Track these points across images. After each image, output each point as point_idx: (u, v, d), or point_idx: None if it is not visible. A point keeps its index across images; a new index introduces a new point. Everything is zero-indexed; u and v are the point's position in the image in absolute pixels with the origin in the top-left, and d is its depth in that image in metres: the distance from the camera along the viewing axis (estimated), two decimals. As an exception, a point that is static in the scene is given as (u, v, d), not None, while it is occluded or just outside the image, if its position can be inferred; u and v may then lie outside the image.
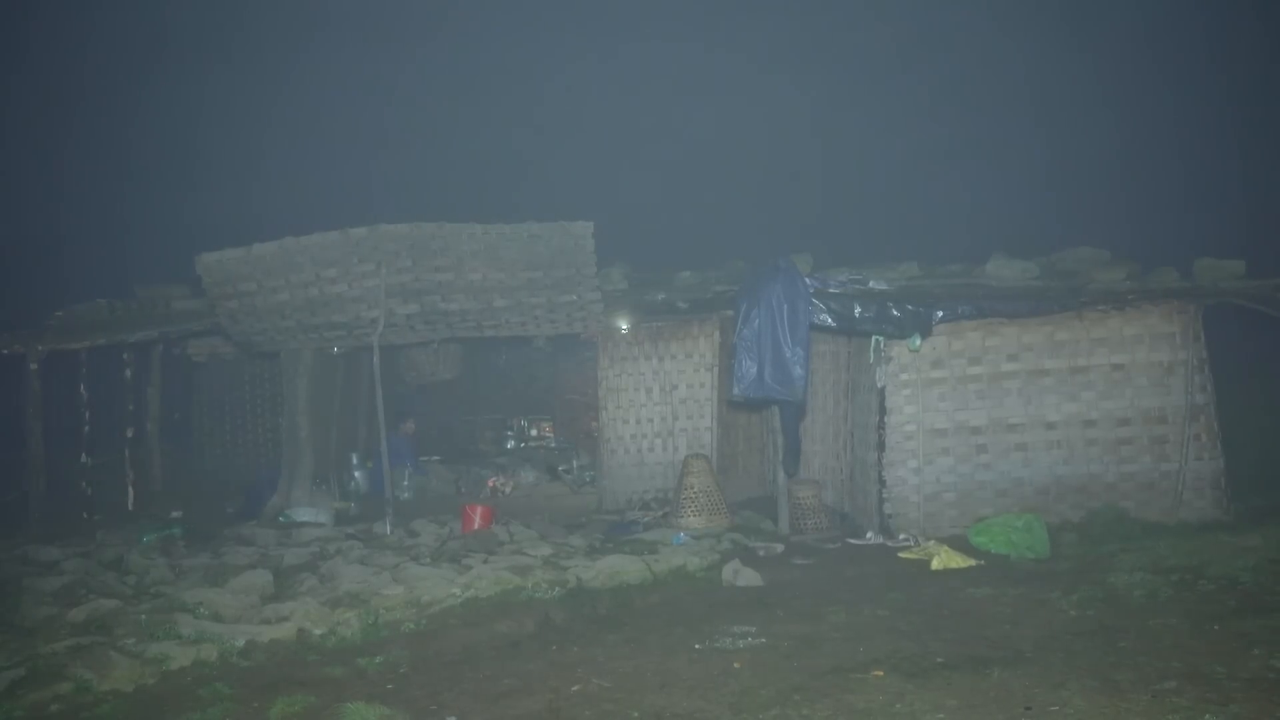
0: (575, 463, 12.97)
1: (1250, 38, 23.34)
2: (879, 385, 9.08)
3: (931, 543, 8.29)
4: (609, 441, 11.49)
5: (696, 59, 31.50)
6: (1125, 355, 8.99)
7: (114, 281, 14.14)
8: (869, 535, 9.05)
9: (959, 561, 7.72)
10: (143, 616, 6.54)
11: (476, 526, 9.52)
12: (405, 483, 11.98)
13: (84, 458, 11.57)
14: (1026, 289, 9.30)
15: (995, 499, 8.98)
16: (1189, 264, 9.35)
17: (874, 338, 9.01)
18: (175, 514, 11.37)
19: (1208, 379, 8.95)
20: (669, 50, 31.47)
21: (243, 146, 27.44)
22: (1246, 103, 23.17)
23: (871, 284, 9.24)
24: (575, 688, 5.07)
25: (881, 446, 9.04)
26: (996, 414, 9.06)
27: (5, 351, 11.04)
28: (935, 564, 7.72)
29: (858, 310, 8.72)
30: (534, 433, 15.24)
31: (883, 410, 9.06)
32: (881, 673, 4.89)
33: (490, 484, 12.10)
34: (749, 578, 7.51)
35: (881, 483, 9.05)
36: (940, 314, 8.72)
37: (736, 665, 5.24)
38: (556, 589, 7.26)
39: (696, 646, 5.64)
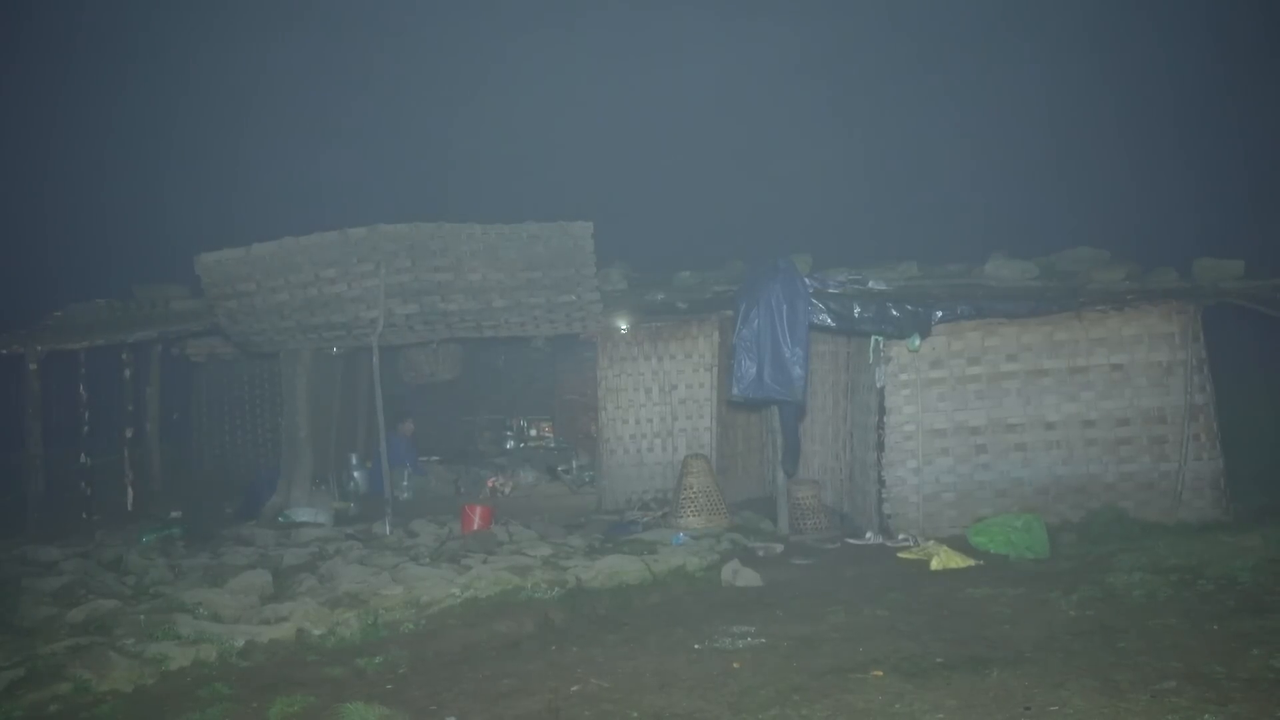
0: (574, 463, 12.97)
1: (1250, 37, 23.36)
2: (878, 385, 9.08)
3: (931, 543, 8.29)
4: (608, 442, 11.49)
5: (697, 59, 31.51)
6: (1124, 355, 9.00)
7: (113, 281, 14.16)
8: (868, 535, 9.05)
9: (958, 561, 7.72)
10: (142, 617, 6.54)
11: (476, 527, 9.52)
12: (404, 483, 11.98)
13: (83, 458, 11.57)
14: (1026, 289, 9.30)
15: (994, 499, 8.98)
16: (1189, 264, 9.35)
17: (873, 338, 9.02)
18: (174, 514, 11.37)
19: (1207, 379, 8.95)
20: (669, 50, 31.49)
21: (242, 146, 27.45)
22: (1246, 102, 23.19)
23: (871, 284, 9.24)
24: (575, 688, 5.06)
25: (881, 446, 9.04)
26: (996, 414, 9.07)
27: (4, 351, 11.04)
28: (935, 564, 7.72)
29: (857, 310, 8.72)
30: (533, 433, 15.24)
31: (882, 410, 9.06)
32: (881, 673, 4.89)
33: (489, 484, 12.09)
34: (748, 578, 7.51)
35: (881, 483, 9.05)
36: (939, 314, 8.72)
37: (736, 665, 5.24)
38: (556, 589, 7.26)
39: (696, 647, 5.64)
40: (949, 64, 28.44)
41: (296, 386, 11.14)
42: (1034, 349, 9.06)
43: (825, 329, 8.95)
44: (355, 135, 29.62)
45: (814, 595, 6.89)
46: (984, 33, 27.97)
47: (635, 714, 4.63)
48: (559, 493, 12.06)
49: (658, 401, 11.46)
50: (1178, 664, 4.68)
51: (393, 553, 8.57)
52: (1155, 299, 8.99)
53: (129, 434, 12.39)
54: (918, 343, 8.85)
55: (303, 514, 10.47)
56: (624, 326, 11.30)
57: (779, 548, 8.94)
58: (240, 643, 6.12)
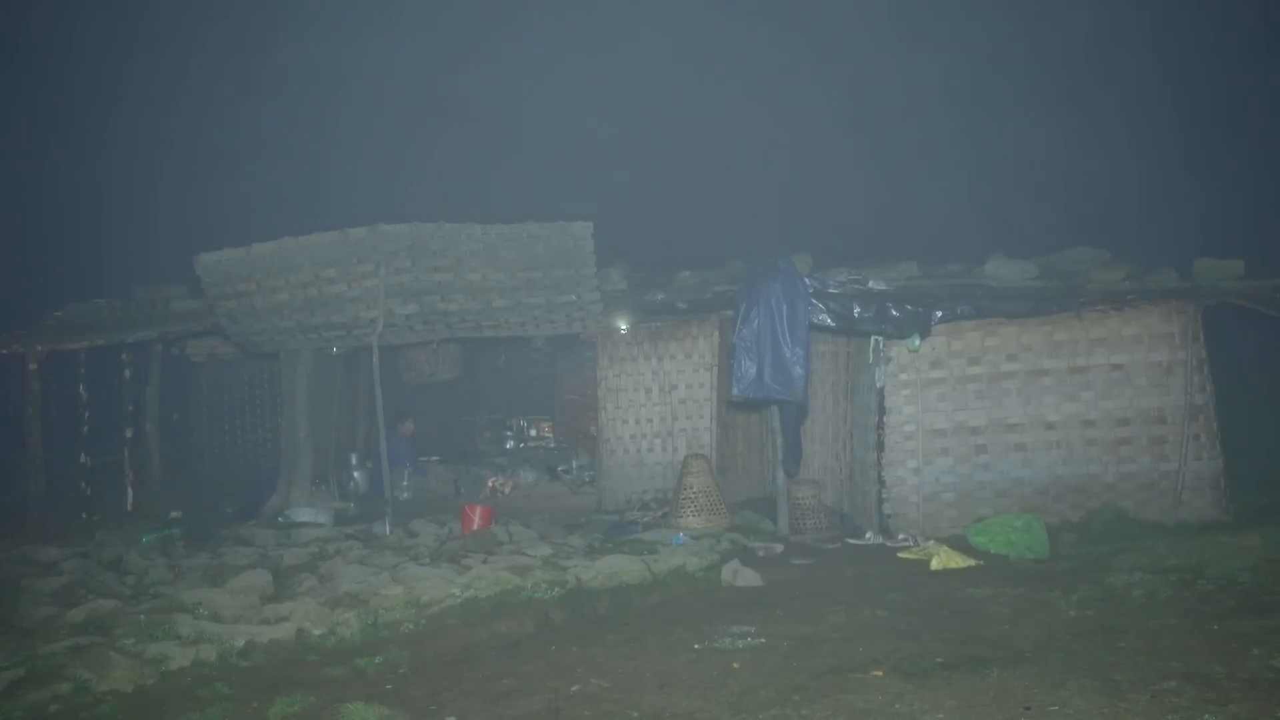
0: (574, 463, 12.97)
1: (1250, 37, 23.37)
2: (878, 385, 9.09)
3: (931, 543, 8.29)
4: (608, 442, 11.49)
5: (697, 59, 31.52)
6: (1124, 355, 9.00)
7: (113, 281, 14.15)
8: (868, 535, 9.05)
9: (958, 561, 7.72)
10: (142, 617, 6.54)
11: (476, 527, 9.52)
12: (404, 483, 11.97)
13: (83, 458, 11.57)
14: (1025, 289, 9.30)
15: (994, 499, 8.99)
16: (1189, 264, 9.35)
17: (873, 338, 9.02)
18: (174, 514, 11.36)
19: (1207, 379, 8.95)
20: (670, 50, 31.49)
21: (242, 146, 27.46)
22: (1247, 102, 23.20)
23: (871, 284, 9.24)
24: (575, 688, 5.06)
25: (881, 446, 9.04)
26: (996, 414, 9.07)
27: (4, 351, 11.03)
28: (935, 564, 7.72)
29: (857, 310, 8.72)
30: (533, 433, 15.24)
31: (882, 410, 9.06)
32: (881, 673, 4.89)
33: (489, 484, 12.09)
34: (748, 578, 7.51)
35: (881, 483, 9.05)
36: (939, 314, 8.72)
37: (736, 665, 5.24)
38: (556, 589, 7.26)
39: (696, 647, 5.64)
40: (949, 64, 28.45)
41: (296, 386, 11.13)
42: (1034, 349, 9.06)
43: (825, 329, 8.95)
44: (356, 135, 29.63)
45: (814, 595, 6.89)
46: (984, 33, 27.99)
47: (635, 714, 4.63)
48: (559, 493, 12.06)
49: (658, 401, 11.46)
50: (1178, 664, 4.68)
51: (393, 553, 8.57)
52: (1155, 299, 8.99)
53: (129, 434, 12.39)
54: (918, 343, 8.85)
55: (303, 514, 10.46)
56: (624, 326, 11.30)
57: (779, 548, 8.94)
58: (240, 643, 6.12)
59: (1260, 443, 10.25)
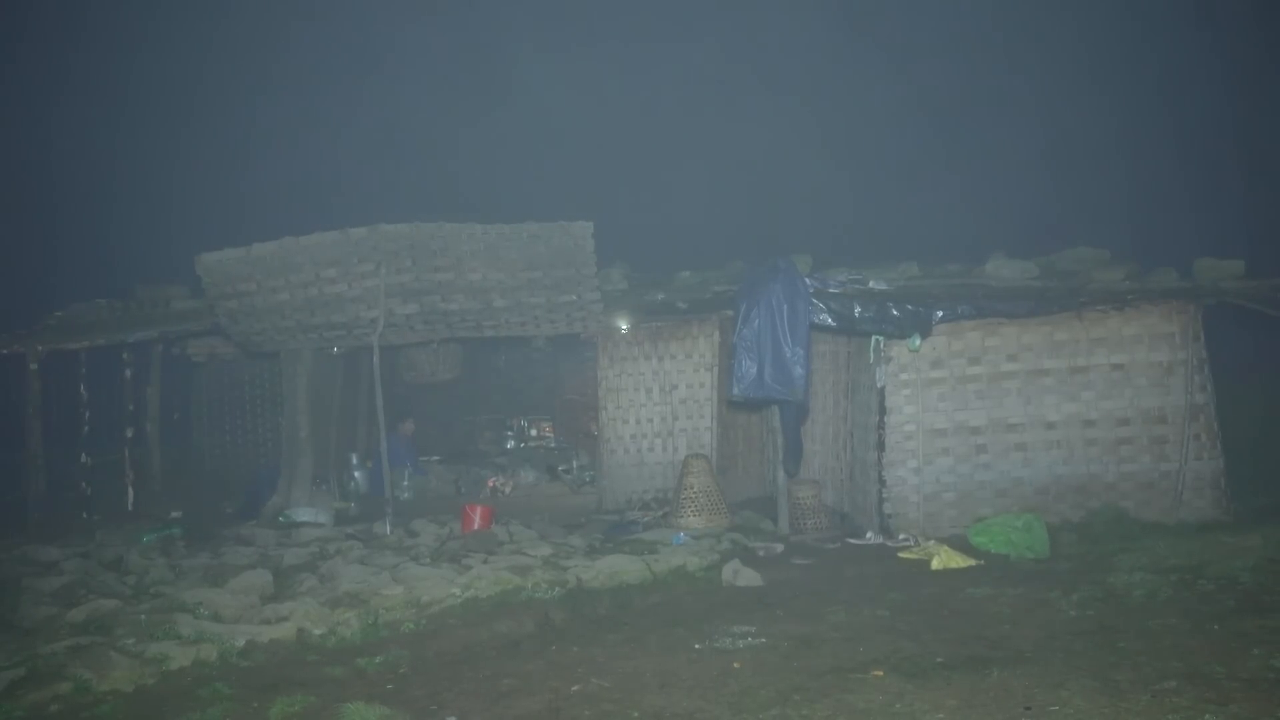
0: (575, 463, 12.97)
1: (1250, 37, 23.35)
2: (879, 385, 9.09)
3: (931, 543, 8.29)
4: (609, 441, 11.49)
5: (696, 59, 31.51)
6: (1125, 355, 9.00)
7: (114, 281, 14.16)
8: (869, 535, 9.05)
9: (959, 561, 7.72)
10: (142, 616, 6.54)
11: (476, 526, 9.52)
12: (405, 483, 11.98)
13: (84, 458, 11.57)
14: (1026, 289, 9.30)
15: (995, 499, 8.99)
16: (1189, 264, 9.35)
17: (874, 338, 9.02)
18: (175, 514, 11.37)
19: (1207, 379, 8.95)
20: (669, 50, 31.48)
21: (244, 145, 27.46)
22: (1247, 102, 23.19)
23: (871, 284, 9.24)
24: (575, 688, 5.06)
25: (881, 446, 9.04)
26: (996, 414, 9.07)
27: (5, 351, 11.05)
28: (935, 564, 7.72)
29: (857, 310, 8.72)
30: (534, 433, 15.24)
31: (882, 410, 9.06)
32: (881, 673, 4.89)
33: (490, 484, 12.10)
34: (749, 578, 7.51)
35: (881, 483, 9.05)
36: (940, 314, 8.72)
37: (736, 665, 5.24)
38: (556, 589, 7.26)
39: (696, 646, 5.64)
40: (949, 64, 28.44)
41: (297, 386, 11.14)
42: (1034, 349, 9.07)
43: (826, 329, 8.95)
44: (357, 134, 29.62)
45: (814, 595, 6.89)
46: (984, 32, 27.98)
47: (636, 714, 4.63)
48: (559, 492, 12.06)
49: (658, 401, 11.46)
50: (1178, 664, 4.68)
51: (393, 552, 8.57)
52: (1155, 299, 8.99)
53: (129, 434, 12.40)
54: (918, 343, 8.85)
55: (303, 514, 10.47)
56: (624, 326, 11.30)
57: (779, 547, 8.94)
58: (241, 642, 6.12)
59: (1260, 443, 10.24)
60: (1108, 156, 23.79)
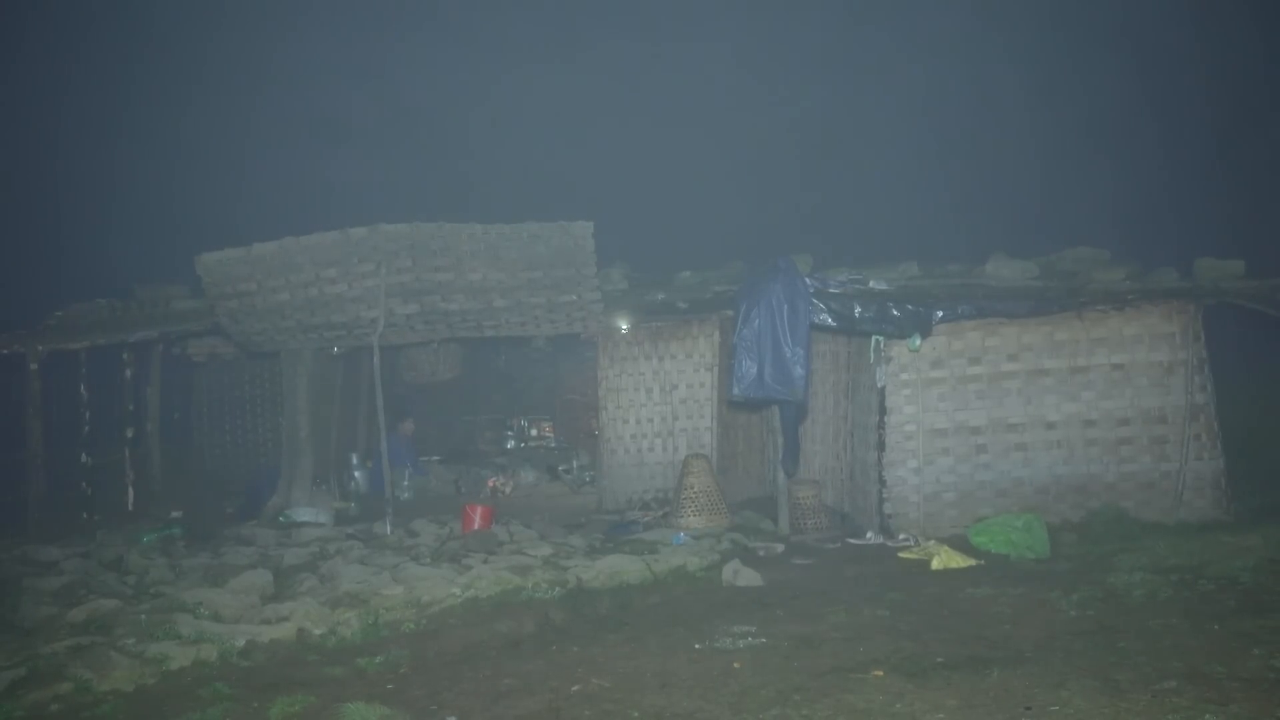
0: (575, 463, 12.99)
1: (1249, 37, 23.35)
2: (879, 385, 9.08)
3: (931, 543, 8.29)
4: (609, 441, 11.49)
5: (696, 58, 31.51)
6: (1125, 355, 9.00)
7: (114, 281, 14.15)
8: (869, 535, 9.05)
9: (959, 561, 7.72)
10: (143, 616, 6.54)
11: (476, 526, 9.52)
12: (405, 483, 11.99)
13: (84, 458, 11.57)
14: (1026, 289, 9.31)
15: (995, 499, 8.99)
16: (1189, 264, 9.35)
17: (874, 338, 9.01)
18: (175, 514, 11.36)
19: (1208, 379, 8.95)
20: (669, 50, 31.49)
21: (244, 145, 27.46)
22: (1246, 102, 23.19)
23: (871, 284, 9.24)
24: (575, 687, 5.07)
25: (881, 446, 9.04)
26: (996, 414, 9.07)
27: (5, 351, 11.04)
28: (935, 564, 7.72)
29: (858, 310, 8.72)
30: (534, 433, 15.26)
31: (883, 410, 9.06)
32: (881, 673, 4.89)
33: (490, 484, 12.11)
34: (749, 578, 7.51)
35: (881, 483, 9.05)
36: (940, 314, 8.72)
37: (736, 665, 5.24)
38: (556, 589, 7.26)
39: (696, 646, 5.64)
40: (948, 63, 28.45)
41: (297, 386, 11.14)
42: (1034, 349, 9.06)
43: (826, 329, 8.95)
44: (357, 134, 29.63)
45: (815, 595, 6.89)
46: (984, 32, 27.98)
47: (636, 714, 4.63)
48: (559, 492, 12.08)
49: (658, 401, 11.46)
50: (1178, 664, 4.68)
51: (393, 552, 8.58)
52: (1156, 299, 8.99)
53: (130, 434, 12.40)
54: (918, 342, 8.85)
55: (303, 514, 10.47)
56: (624, 326, 11.30)
57: (779, 547, 8.94)
58: (241, 642, 6.12)
59: (1261, 443, 10.24)
60: (1108, 156, 23.79)
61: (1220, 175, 21.91)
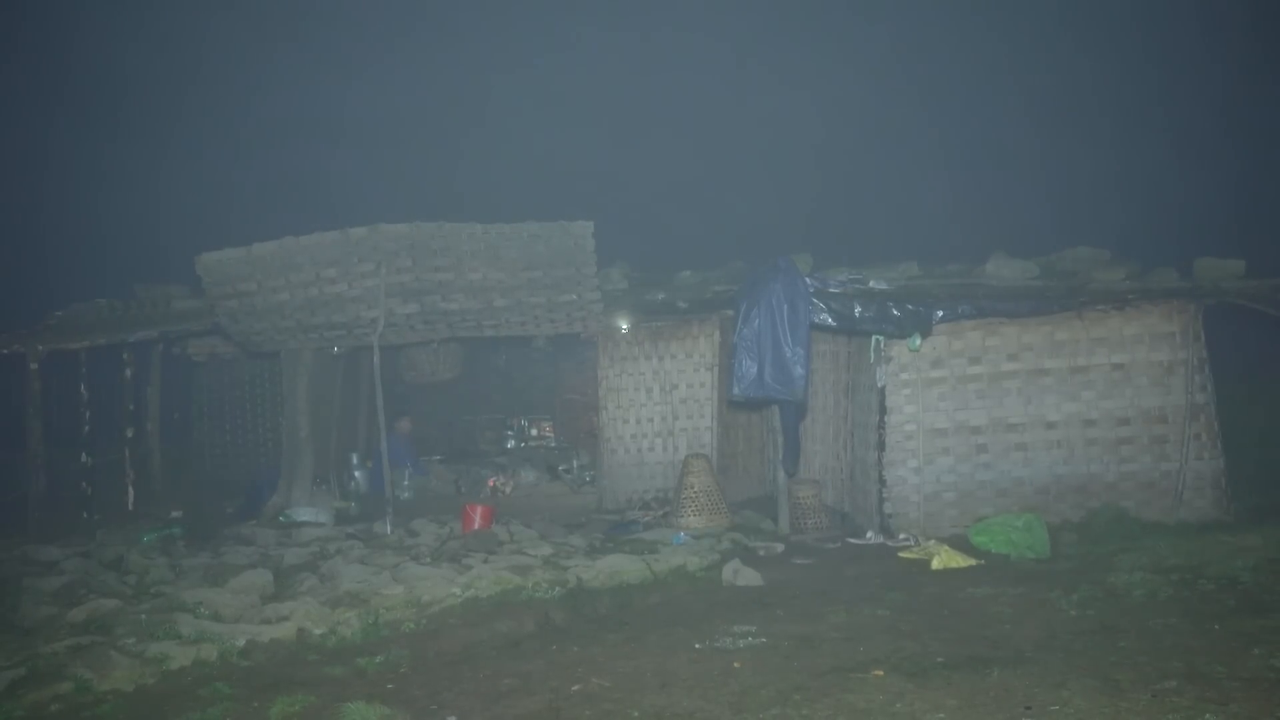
0: (575, 462, 12.97)
1: (1249, 37, 23.35)
2: (879, 385, 9.08)
3: (932, 542, 8.29)
4: (609, 441, 11.49)
5: (696, 58, 31.51)
6: (1125, 355, 9.00)
7: (114, 281, 14.16)
8: (869, 535, 9.05)
9: (959, 561, 7.72)
10: (143, 616, 6.54)
11: (477, 526, 9.52)
12: (405, 482, 11.98)
13: (84, 457, 11.56)
14: (1026, 289, 9.31)
15: (995, 499, 8.99)
16: (1189, 264, 9.36)
17: (874, 337, 9.01)
18: (175, 514, 11.37)
19: (1208, 379, 8.95)
20: (669, 49, 31.49)
21: (244, 145, 27.47)
22: (1246, 102, 23.19)
23: (871, 284, 9.25)
24: (575, 687, 5.06)
25: (881, 446, 9.04)
26: (996, 414, 9.07)
27: (5, 351, 11.04)
28: (935, 564, 7.72)
29: (858, 310, 8.72)
30: (534, 432, 15.24)
31: (883, 410, 9.06)
32: (881, 672, 4.89)
33: (490, 484, 12.10)
34: (749, 577, 7.51)
35: (882, 482, 9.05)
36: (940, 314, 8.72)
37: (736, 665, 5.24)
38: (556, 589, 7.26)
39: (696, 646, 5.64)
40: (949, 64, 28.45)
41: (297, 386, 11.14)
42: (1035, 349, 9.06)
43: (826, 329, 8.95)
44: (357, 134, 29.63)
45: (815, 595, 6.89)
46: (984, 32, 27.99)
47: (636, 713, 4.63)
48: (560, 492, 12.06)
49: (658, 401, 11.46)
50: (1179, 663, 4.68)
51: (393, 552, 8.57)
52: (1156, 299, 8.99)
53: (130, 433, 12.39)
54: (918, 342, 8.85)
55: (303, 513, 10.47)
56: (625, 326, 11.30)
57: (780, 547, 8.94)
58: (241, 642, 6.12)
59: (1261, 443, 10.24)
60: (1108, 156, 23.80)
61: (1220, 175, 21.91)
